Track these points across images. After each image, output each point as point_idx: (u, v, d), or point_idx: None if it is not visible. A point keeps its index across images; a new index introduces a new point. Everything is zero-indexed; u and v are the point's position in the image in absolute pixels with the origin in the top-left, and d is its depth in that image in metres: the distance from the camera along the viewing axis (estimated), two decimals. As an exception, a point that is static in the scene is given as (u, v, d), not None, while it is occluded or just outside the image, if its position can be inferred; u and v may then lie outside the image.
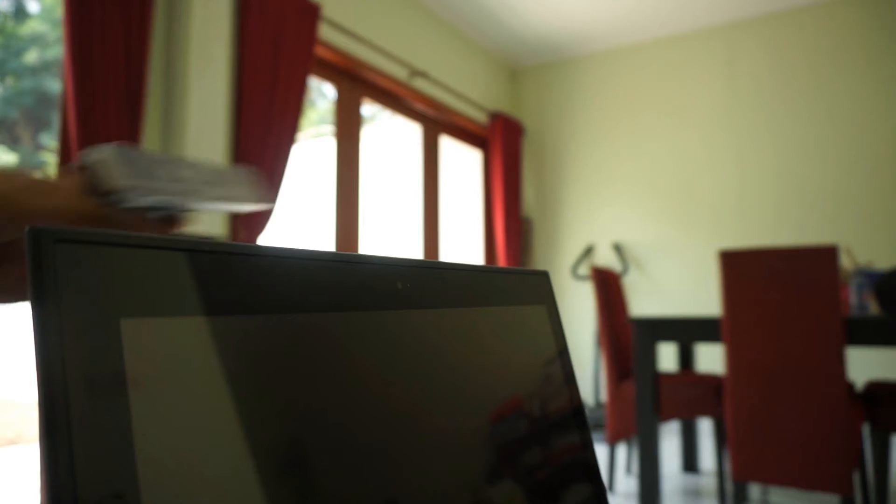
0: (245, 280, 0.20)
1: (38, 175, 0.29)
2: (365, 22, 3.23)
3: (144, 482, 0.15)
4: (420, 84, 3.64)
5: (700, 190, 3.98)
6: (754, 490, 2.43)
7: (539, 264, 4.49)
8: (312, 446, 0.19)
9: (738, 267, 1.82)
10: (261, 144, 2.50)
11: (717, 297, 3.87)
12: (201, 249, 0.19)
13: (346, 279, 0.23)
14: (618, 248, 4.16)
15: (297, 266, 0.21)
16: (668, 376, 2.35)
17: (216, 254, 0.19)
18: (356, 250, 3.23)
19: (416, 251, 3.82)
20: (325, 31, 2.96)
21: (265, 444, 0.18)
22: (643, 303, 4.09)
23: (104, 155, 0.26)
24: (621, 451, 3.12)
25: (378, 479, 0.21)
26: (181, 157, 0.30)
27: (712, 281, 3.87)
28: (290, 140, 2.62)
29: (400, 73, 3.46)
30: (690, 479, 2.71)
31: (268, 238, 2.61)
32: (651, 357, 2.09)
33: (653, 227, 4.10)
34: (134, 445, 0.15)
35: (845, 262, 3.35)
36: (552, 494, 0.28)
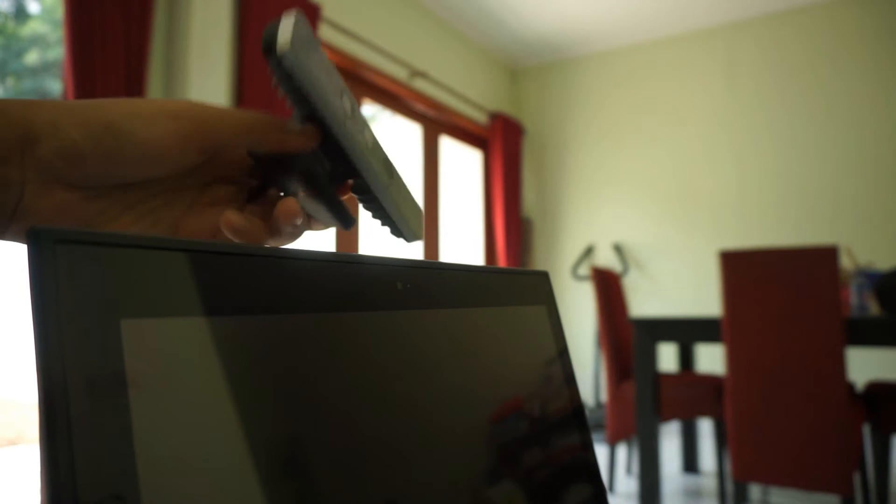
0: (245, 281, 0.20)
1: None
2: (365, 22, 3.23)
3: (144, 483, 0.15)
4: (420, 84, 3.64)
5: (700, 190, 3.98)
6: (754, 490, 2.43)
7: (539, 264, 4.50)
8: (313, 447, 0.19)
9: (738, 267, 1.82)
10: (261, 145, 2.50)
11: (717, 297, 3.87)
12: (201, 250, 0.19)
13: (345, 279, 0.23)
14: (618, 249, 4.16)
15: (296, 266, 0.21)
16: (669, 377, 2.34)
17: (216, 254, 0.19)
18: (356, 251, 3.23)
19: (416, 251, 3.82)
20: (325, 31, 2.96)
21: (265, 444, 0.18)
22: (643, 303, 4.09)
23: (283, 19, 0.24)
24: (621, 451, 3.12)
25: (378, 480, 0.21)
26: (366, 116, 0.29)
27: (712, 281, 3.87)
28: (290, 140, 2.61)
29: (400, 73, 3.46)
30: (691, 479, 2.71)
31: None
32: (651, 357, 2.09)
33: (653, 228, 4.10)
34: (134, 446, 0.15)
35: (846, 262, 3.35)
36: (552, 495, 0.28)
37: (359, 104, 0.30)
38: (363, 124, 0.29)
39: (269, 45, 0.24)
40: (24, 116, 0.23)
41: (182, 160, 0.26)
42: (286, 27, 0.24)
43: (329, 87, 0.26)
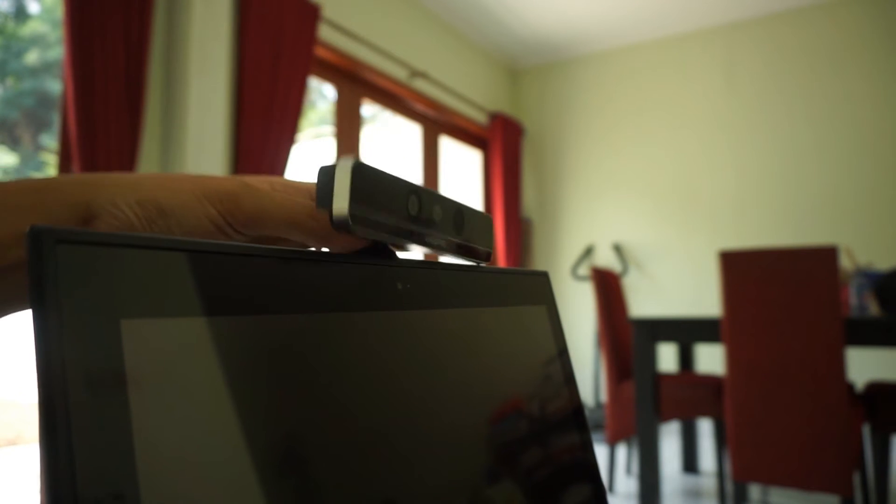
0: (245, 280, 0.20)
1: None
2: (365, 22, 3.23)
3: (144, 485, 0.15)
4: (420, 84, 3.64)
5: (700, 190, 3.98)
6: (754, 490, 2.43)
7: (539, 264, 4.50)
8: (313, 447, 0.19)
9: (737, 267, 1.82)
10: (261, 145, 2.50)
11: (717, 297, 3.87)
12: (202, 250, 0.19)
13: (346, 279, 0.23)
14: (618, 249, 4.16)
15: (297, 266, 0.21)
16: (668, 377, 2.35)
17: (217, 254, 0.19)
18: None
19: (415, 251, 3.83)
20: (325, 32, 2.96)
21: (266, 444, 0.18)
22: (643, 303, 4.09)
23: (338, 171, 0.23)
24: (621, 451, 3.12)
25: (378, 480, 0.21)
26: (432, 189, 0.27)
27: (712, 281, 3.87)
28: (290, 140, 2.62)
29: (400, 73, 3.46)
30: (690, 479, 2.71)
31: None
32: (651, 357, 2.09)
33: (652, 228, 4.10)
34: (134, 447, 0.15)
35: (845, 262, 3.35)
36: (552, 495, 0.28)
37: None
38: (430, 211, 0.27)
39: (327, 210, 0.23)
40: (84, 198, 0.23)
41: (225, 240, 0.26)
42: (338, 188, 0.23)
43: (391, 209, 0.25)
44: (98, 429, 0.14)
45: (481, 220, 0.31)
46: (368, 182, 0.23)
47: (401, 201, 0.25)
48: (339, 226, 0.22)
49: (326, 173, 0.23)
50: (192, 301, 0.18)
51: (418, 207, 0.26)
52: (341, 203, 0.22)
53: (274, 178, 0.28)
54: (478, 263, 0.31)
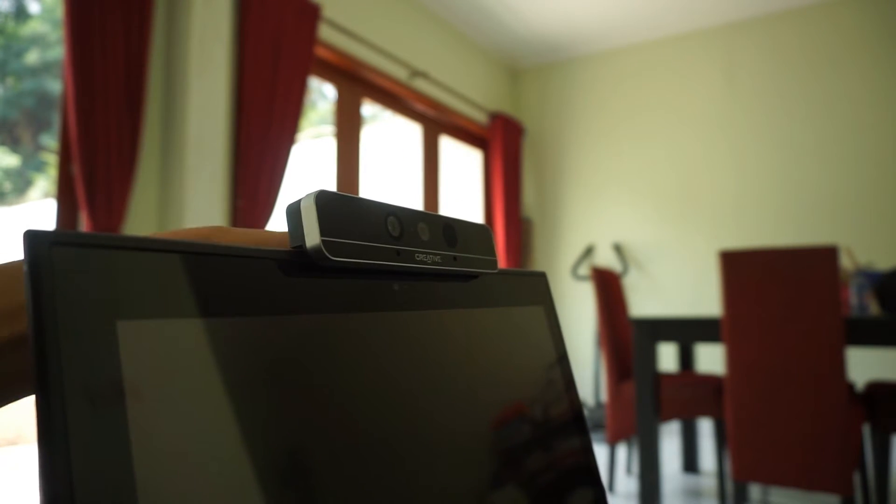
0: (242, 282, 0.20)
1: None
2: (365, 22, 3.23)
3: (142, 485, 0.15)
4: (420, 84, 3.64)
5: (700, 190, 3.98)
6: (754, 490, 2.43)
7: (539, 264, 4.50)
8: (313, 452, 0.19)
9: (737, 267, 1.82)
10: (261, 145, 2.50)
11: (717, 297, 3.87)
12: (198, 251, 0.19)
13: (342, 280, 0.23)
14: (618, 249, 4.16)
15: (292, 267, 0.21)
16: (669, 376, 2.34)
17: (214, 255, 0.19)
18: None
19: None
20: (325, 32, 2.96)
21: (265, 448, 0.18)
22: (643, 303, 4.09)
23: (304, 205, 0.23)
24: (621, 451, 3.12)
25: (379, 486, 0.21)
26: (414, 209, 0.27)
27: (712, 281, 3.87)
28: (290, 140, 2.62)
29: (400, 73, 3.46)
30: (690, 479, 2.71)
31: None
32: (651, 357, 2.09)
33: (653, 228, 4.10)
34: (132, 446, 0.15)
35: (845, 262, 3.35)
36: (550, 497, 0.28)
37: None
38: (414, 229, 0.27)
39: (292, 244, 0.23)
40: None
41: None
42: (304, 221, 0.23)
43: (370, 234, 0.25)
44: (95, 429, 0.14)
45: (477, 231, 0.31)
46: (338, 210, 0.23)
47: (379, 224, 0.25)
48: (316, 258, 0.22)
49: (294, 210, 0.23)
50: (187, 302, 0.18)
51: (399, 228, 0.26)
52: (313, 236, 0.22)
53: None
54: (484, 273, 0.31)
